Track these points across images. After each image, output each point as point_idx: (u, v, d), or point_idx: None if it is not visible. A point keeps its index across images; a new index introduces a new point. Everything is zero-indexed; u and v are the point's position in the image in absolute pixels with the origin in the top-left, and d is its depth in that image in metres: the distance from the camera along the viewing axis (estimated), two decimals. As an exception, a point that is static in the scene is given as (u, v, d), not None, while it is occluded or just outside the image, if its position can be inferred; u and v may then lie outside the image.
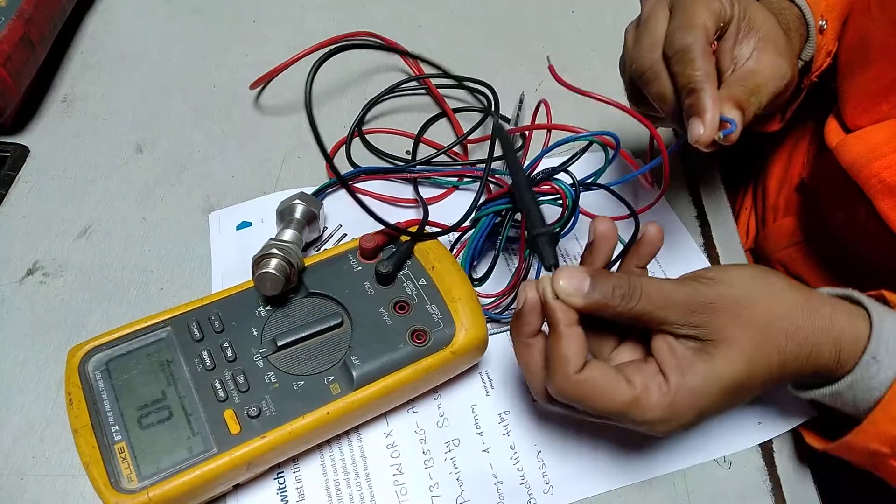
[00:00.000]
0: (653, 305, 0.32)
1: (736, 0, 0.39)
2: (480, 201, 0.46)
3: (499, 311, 0.45)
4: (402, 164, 0.52)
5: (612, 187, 0.44)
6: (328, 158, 0.37)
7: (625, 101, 0.43)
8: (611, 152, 0.43)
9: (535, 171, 0.45)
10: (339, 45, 0.38)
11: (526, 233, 0.37)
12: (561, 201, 0.42)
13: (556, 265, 0.35)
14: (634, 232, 0.38)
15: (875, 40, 0.41)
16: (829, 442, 0.38)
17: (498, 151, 0.49)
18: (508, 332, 0.38)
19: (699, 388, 0.32)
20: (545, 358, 0.34)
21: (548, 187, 0.43)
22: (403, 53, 0.41)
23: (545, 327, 0.35)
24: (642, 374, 0.33)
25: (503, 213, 0.44)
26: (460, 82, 0.58)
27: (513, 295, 0.44)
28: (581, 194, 0.42)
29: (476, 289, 0.44)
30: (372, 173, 0.52)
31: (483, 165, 0.53)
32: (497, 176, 0.49)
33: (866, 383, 0.34)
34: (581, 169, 0.44)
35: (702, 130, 0.35)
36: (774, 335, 0.33)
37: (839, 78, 0.47)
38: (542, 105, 0.49)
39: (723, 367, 0.32)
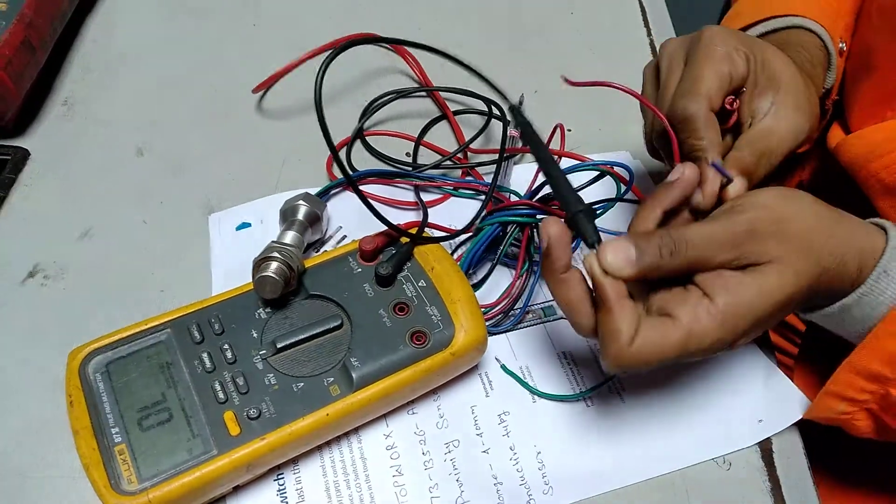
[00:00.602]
0: (699, 252, 0.33)
1: (752, 52, 0.39)
2: (485, 211, 0.46)
3: (492, 322, 0.45)
4: (409, 168, 0.52)
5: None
6: (338, 160, 0.37)
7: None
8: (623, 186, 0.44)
9: (542, 195, 0.45)
10: (347, 43, 0.37)
11: (563, 213, 0.37)
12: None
13: (599, 241, 0.34)
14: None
15: (877, 49, 0.41)
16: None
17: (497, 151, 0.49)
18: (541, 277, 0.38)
19: (753, 303, 0.32)
20: (585, 290, 0.34)
21: (556, 207, 0.43)
22: (417, 46, 0.40)
23: (579, 266, 0.34)
24: (687, 305, 0.33)
25: (507, 226, 0.44)
26: (467, 91, 0.58)
27: (503, 305, 0.44)
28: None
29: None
30: (381, 176, 0.51)
31: (484, 167, 0.53)
32: (500, 192, 0.49)
33: (875, 297, 0.35)
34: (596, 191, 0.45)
35: (700, 199, 0.37)
36: (812, 247, 0.34)
37: (845, 82, 0.47)
38: (558, 130, 0.49)
39: (774, 282, 0.33)
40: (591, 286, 0.35)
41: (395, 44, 0.40)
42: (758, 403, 0.42)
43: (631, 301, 0.33)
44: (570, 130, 0.56)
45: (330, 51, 0.36)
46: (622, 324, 0.32)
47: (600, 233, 0.35)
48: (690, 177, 0.36)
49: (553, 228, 0.34)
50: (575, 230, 0.36)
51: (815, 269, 0.34)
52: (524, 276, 0.45)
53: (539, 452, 0.40)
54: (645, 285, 0.35)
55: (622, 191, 0.44)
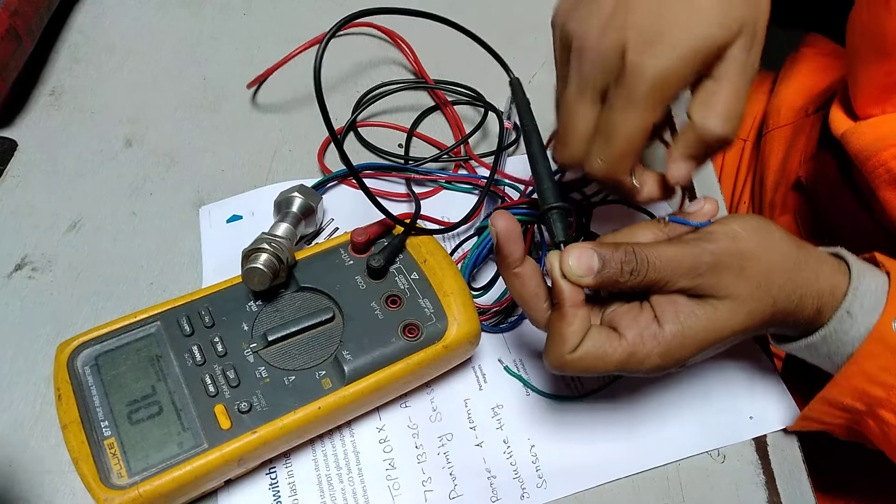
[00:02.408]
0: (660, 274, 0.33)
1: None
2: (494, 207, 0.45)
3: (491, 322, 0.44)
4: (405, 161, 0.52)
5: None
6: (342, 152, 0.37)
7: None
8: None
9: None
10: (349, 17, 0.37)
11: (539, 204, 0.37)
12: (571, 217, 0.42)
13: (566, 243, 0.34)
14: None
15: (892, 35, 0.40)
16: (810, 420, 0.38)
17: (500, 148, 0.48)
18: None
19: (698, 336, 0.33)
20: (539, 284, 0.34)
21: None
22: (422, 15, 0.39)
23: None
24: (636, 326, 0.33)
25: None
26: (454, 88, 0.57)
27: (501, 304, 0.44)
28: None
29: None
30: (380, 170, 0.51)
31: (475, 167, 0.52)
32: (498, 186, 0.48)
33: (839, 337, 0.35)
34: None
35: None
36: (770, 288, 0.34)
37: (850, 64, 0.46)
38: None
39: (725, 318, 0.33)
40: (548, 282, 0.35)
41: (399, 13, 0.39)
42: (750, 400, 0.42)
43: (584, 309, 0.33)
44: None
45: (328, 32, 0.36)
46: (570, 330, 0.32)
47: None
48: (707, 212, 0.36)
49: (501, 223, 0.34)
50: (546, 226, 0.36)
51: (769, 309, 0.34)
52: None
53: (533, 446, 0.40)
54: (604, 290, 0.35)
55: None
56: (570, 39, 0.35)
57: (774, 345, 0.39)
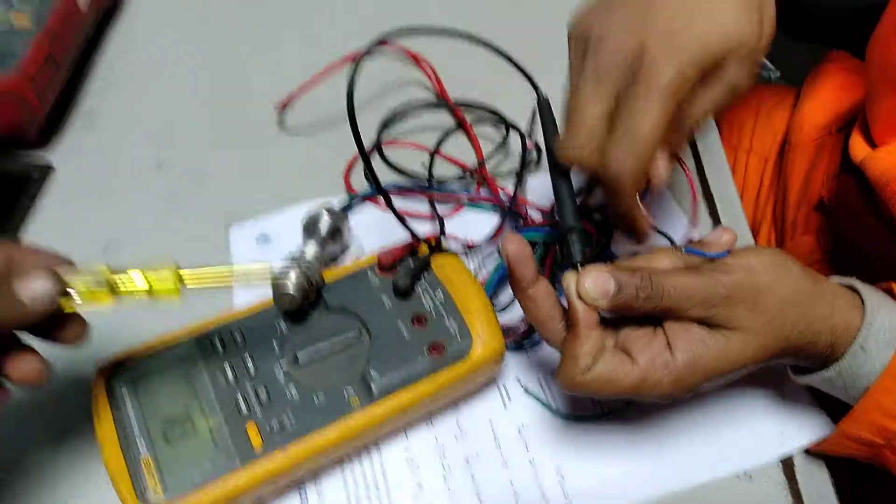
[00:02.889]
0: (674, 302, 0.33)
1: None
2: (517, 227, 0.46)
3: (516, 340, 0.45)
4: (428, 182, 0.52)
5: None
6: (372, 173, 0.38)
7: None
8: None
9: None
10: (369, 50, 0.38)
11: (559, 223, 0.37)
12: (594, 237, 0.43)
13: (583, 264, 0.35)
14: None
15: None
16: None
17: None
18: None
19: (709, 366, 0.33)
20: (554, 305, 0.35)
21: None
22: (449, 34, 0.41)
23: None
24: (649, 351, 0.33)
25: (534, 245, 0.44)
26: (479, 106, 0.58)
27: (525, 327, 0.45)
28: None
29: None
30: (406, 190, 0.52)
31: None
32: (519, 207, 0.49)
33: (854, 372, 0.35)
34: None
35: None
36: (784, 323, 0.34)
37: (869, 96, 0.46)
38: None
39: (736, 350, 0.33)
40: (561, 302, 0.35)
41: (430, 33, 0.40)
42: (778, 417, 0.42)
43: (598, 331, 0.34)
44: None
45: (357, 57, 0.37)
46: (583, 351, 0.33)
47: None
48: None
49: (511, 246, 0.34)
50: (563, 245, 0.36)
51: (781, 343, 0.34)
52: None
53: (558, 466, 0.40)
54: (617, 313, 0.36)
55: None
56: (589, 38, 0.36)
57: (792, 376, 0.39)
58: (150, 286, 0.33)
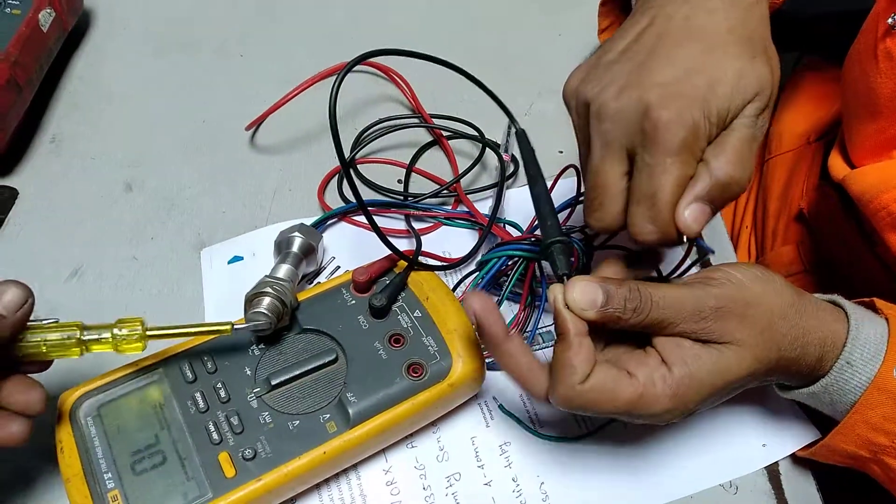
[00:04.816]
0: (663, 316, 0.33)
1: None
2: (498, 243, 0.45)
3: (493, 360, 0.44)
4: (403, 197, 0.52)
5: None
6: (353, 188, 0.38)
7: None
8: None
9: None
10: (361, 56, 0.38)
11: (541, 238, 0.37)
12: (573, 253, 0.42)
13: (569, 275, 0.35)
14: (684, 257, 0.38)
15: (882, 94, 0.41)
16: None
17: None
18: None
19: (706, 380, 0.33)
20: (531, 359, 0.34)
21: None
22: (424, 58, 0.40)
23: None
24: (646, 367, 0.33)
25: (514, 260, 0.44)
26: (453, 125, 0.58)
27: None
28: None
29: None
30: (382, 206, 0.51)
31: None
32: (498, 225, 0.48)
33: (841, 387, 0.35)
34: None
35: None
36: (774, 334, 0.34)
37: (844, 118, 0.46)
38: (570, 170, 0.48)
39: (731, 363, 0.33)
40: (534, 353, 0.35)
41: (404, 55, 0.40)
42: (763, 427, 0.42)
43: (590, 340, 0.33)
44: (560, 152, 0.56)
45: (338, 73, 0.37)
46: (578, 359, 0.32)
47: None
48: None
49: (476, 303, 0.34)
50: (548, 259, 0.36)
51: (774, 354, 0.34)
52: (527, 311, 0.44)
53: (542, 483, 0.40)
54: (602, 333, 0.35)
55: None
56: (589, 103, 0.34)
57: (778, 393, 0.39)
58: (116, 346, 0.36)
